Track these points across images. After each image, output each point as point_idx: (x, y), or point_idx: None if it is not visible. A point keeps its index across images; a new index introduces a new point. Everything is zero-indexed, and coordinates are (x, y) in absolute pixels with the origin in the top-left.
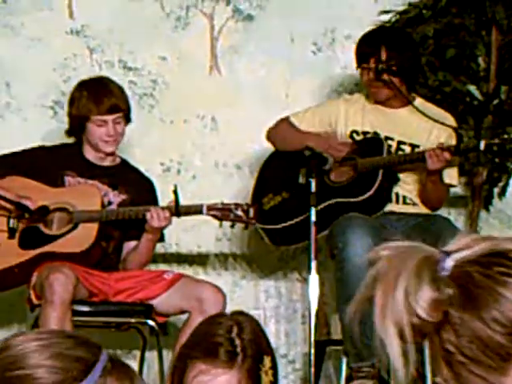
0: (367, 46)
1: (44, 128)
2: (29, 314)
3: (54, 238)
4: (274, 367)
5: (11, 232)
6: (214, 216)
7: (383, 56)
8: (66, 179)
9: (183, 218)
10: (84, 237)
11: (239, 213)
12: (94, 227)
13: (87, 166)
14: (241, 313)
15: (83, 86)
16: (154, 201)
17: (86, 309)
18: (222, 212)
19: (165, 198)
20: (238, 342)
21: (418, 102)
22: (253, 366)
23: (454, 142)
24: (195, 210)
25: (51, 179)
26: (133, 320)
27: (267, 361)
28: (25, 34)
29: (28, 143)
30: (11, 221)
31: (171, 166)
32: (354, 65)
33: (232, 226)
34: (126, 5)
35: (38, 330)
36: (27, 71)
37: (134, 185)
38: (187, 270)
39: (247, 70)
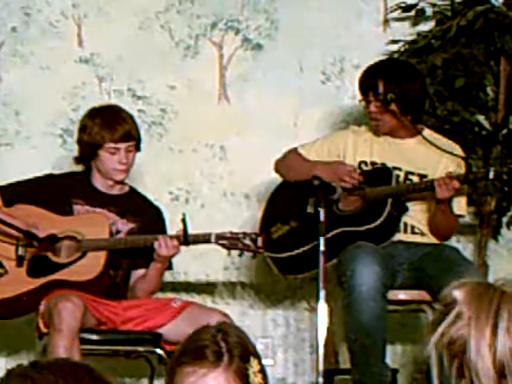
0: (366, 79)
1: (53, 156)
2: (37, 342)
3: (63, 266)
4: (263, 371)
5: (19, 260)
6: (223, 245)
7: (380, 89)
8: (75, 208)
9: (191, 246)
10: (92, 265)
11: (247, 242)
12: (102, 256)
13: (95, 194)
14: (224, 322)
15: (95, 113)
16: (162, 229)
17: (94, 337)
18: (231, 241)
19: (173, 226)
20: (223, 344)
21: (426, 132)
22: (240, 366)
23: (462, 171)
24: (204, 239)
25: (60, 207)
26: (141, 349)
27: (255, 362)
28: (34, 62)
29: (37, 171)
30: (20, 249)
31: (180, 195)
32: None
33: (240, 255)
34: (136, 33)
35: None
36: (36, 99)
37: (143, 213)
38: (195, 299)
39: (256, 98)
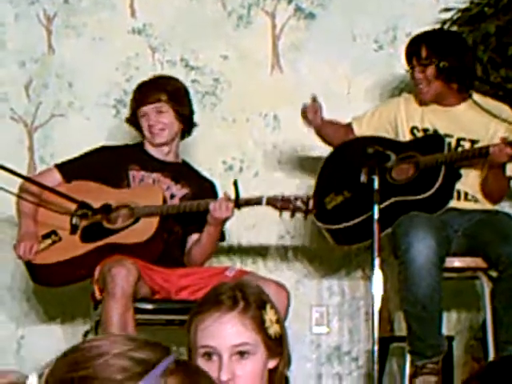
0: (409, 46)
1: (107, 127)
2: (92, 312)
3: (116, 231)
4: (281, 322)
5: (73, 228)
6: (274, 206)
7: (423, 54)
8: (130, 173)
9: (245, 215)
10: (145, 229)
11: (299, 203)
12: (154, 220)
13: (151, 160)
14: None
15: (140, 83)
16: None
17: (148, 306)
18: (282, 203)
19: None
20: (239, 293)
21: (475, 97)
22: (256, 312)
23: None
24: (255, 201)
25: (116, 176)
26: None
27: (272, 312)
28: (87, 34)
29: (91, 142)
30: (74, 218)
31: (233, 164)
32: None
33: (292, 216)
34: (188, 4)
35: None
36: (89, 71)
37: (196, 182)
38: (250, 267)
39: (308, 68)
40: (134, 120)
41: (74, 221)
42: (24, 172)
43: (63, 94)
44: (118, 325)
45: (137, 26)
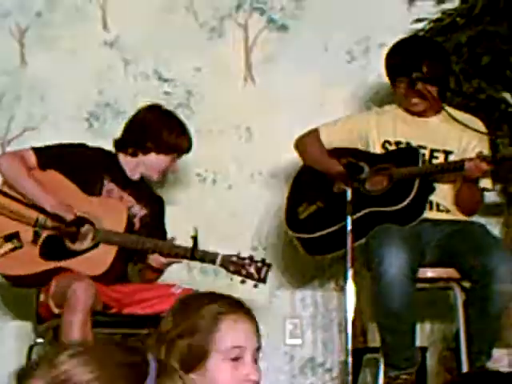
0: (407, 59)
1: (79, 140)
2: (38, 326)
3: (74, 253)
4: None
5: (35, 236)
6: (227, 268)
7: (425, 68)
8: (105, 183)
9: (218, 225)
10: (101, 260)
11: (251, 270)
12: (112, 251)
13: (121, 174)
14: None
15: (166, 114)
16: (162, 220)
17: (105, 319)
18: (235, 266)
19: (200, 207)
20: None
21: (448, 108)
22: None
23: (485, 147)
24: (210, 259)
25: (90, 181)
26: (145, 331)
27: None
28: (59, 47)
29: None
30: (38, 224)
31: (207, 176)
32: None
33: (242, 282)
34: (160, 16)
35: (79, 344)
36: (62, 83)
37: (152, 201)
38: (223, 279)
39: (281, 79)
40: (147, 148)
41: (38, 228)
42: None
43: (36, 107)
44: (79, 338)
45: (109, 38)
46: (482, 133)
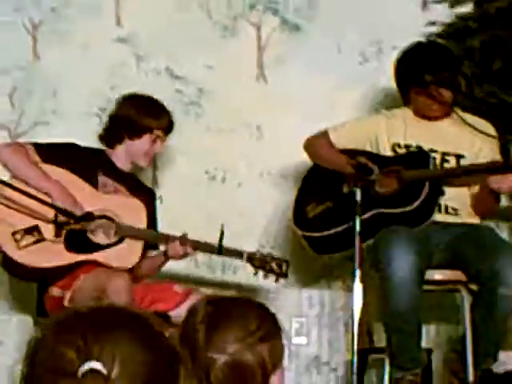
0: (430, 68)
1: (90, 135)
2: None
3: (101, 247)
4: None
5: (58, 229)
6: (252, 264)
7: (445, 76)
8: (100, 178)
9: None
10: (130, 254)
11: (274, 266)
12: (138, 245)
13: (113, 168)
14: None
15: (139, 98)
16: (154, 210)
17: None
18: (260, 262)
19: (208, 205)
20: None
21: (459, 112)
22: None
23: (496, 152)
24: (236, 255)
25: (88, 176)
26: None
27: None
28: (72, 42)
29: None
30: (58, 217)
31: (216, 175)
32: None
33: (265, 277)
34: (174, 13)
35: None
36: (74, 78)
37: (144, 193)
38: (230, 277)
39: (293, 79)
40: (128, 133)
41: (59, 222)
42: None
43: (47, 102)
44: None
45: (122, 34)
46: (493, 137)
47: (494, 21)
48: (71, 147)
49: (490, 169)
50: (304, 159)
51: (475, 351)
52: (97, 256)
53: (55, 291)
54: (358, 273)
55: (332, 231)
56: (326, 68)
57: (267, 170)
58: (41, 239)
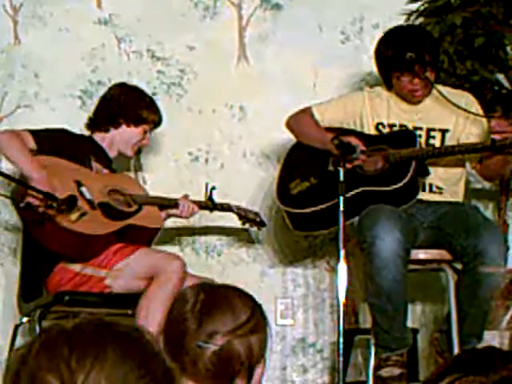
0: (411, 51)
1: (72, 117)
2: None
3: (130, 214)
4: None
5: (91, 203)
6: (239, 215)
7: (427, 58)
8: (93, 164)
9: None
10: (155, 216)
11: (252, 216)
12: (156, 209)
13: (103, 154)
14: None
15: (135, 90)
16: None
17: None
18: (244, 212)
19: (193, 187)
20: None
21: (438, 87)
22: None
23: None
24: (227, 207)
25: (80, 160)
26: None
27: None
28: (53, 24)
29: None
30: (86, 193)
31: (199, 155)
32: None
33: (250, 226)
34: None
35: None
36: (55, 61)
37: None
38: (215, 259)
39: (275, 59)
40: (119, 122)
41: (88, 196)
42: None
43: (29, 85)
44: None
45: (103, 16)
46: (474, 114)
47: None
48: (63, 133)
49: (477, 149)
50: (287, 139)
51: (461, 331)
52: (133, 220)
53: (78, 267)
54: (342, 253)
55: (315, 208)
56: (307, 47)
57: (250, 151)
58: (85, 213)
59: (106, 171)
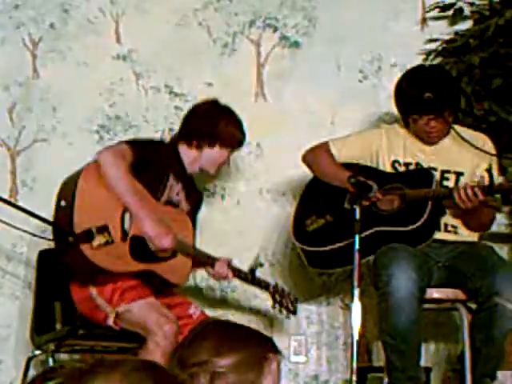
0: (429, 91)
1: (89, 152)
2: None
3: (159, 259)
4: None
5: (124, 234)
6: (274, 298)
7: (445, 99)
8: (168, 183)
9: (224, 243)
10: (182, 270)
11: (288, 302)
12: (188, 262)
13: (181, 168)
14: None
15: (228, 111)
16: (197, 214)
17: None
18: (280, 297)
19: (208, 222)
20: None
21: (457, 128)
22: None
23: (495, 168)
24: (264, 286)
25: (156, 180)
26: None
27: None
28: (71, 59)
29: (73, 167)
30: (126, 222)
31: (216, 192)
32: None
33: (280, 312)
34: (173, 30)
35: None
36: (73, 95)
37: (194, 197)
38: (230, 295)
39: (293, 96)
40: (204, 139)
41: (126, 225)
42: (5, 196)
43: (47, 119)
44: None
45: (122, 51)
46: (490, 154)
47: (493, 38)
48: (153, 144)
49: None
50: (304, 176)
51: (474, 370)
52: (156, 267)
53: (97, 297)
54: (356, 291)
55: (331, 247)
56: (325, 85)
57: (266, 188)
58: (111, 241)
59: (179, 186)
